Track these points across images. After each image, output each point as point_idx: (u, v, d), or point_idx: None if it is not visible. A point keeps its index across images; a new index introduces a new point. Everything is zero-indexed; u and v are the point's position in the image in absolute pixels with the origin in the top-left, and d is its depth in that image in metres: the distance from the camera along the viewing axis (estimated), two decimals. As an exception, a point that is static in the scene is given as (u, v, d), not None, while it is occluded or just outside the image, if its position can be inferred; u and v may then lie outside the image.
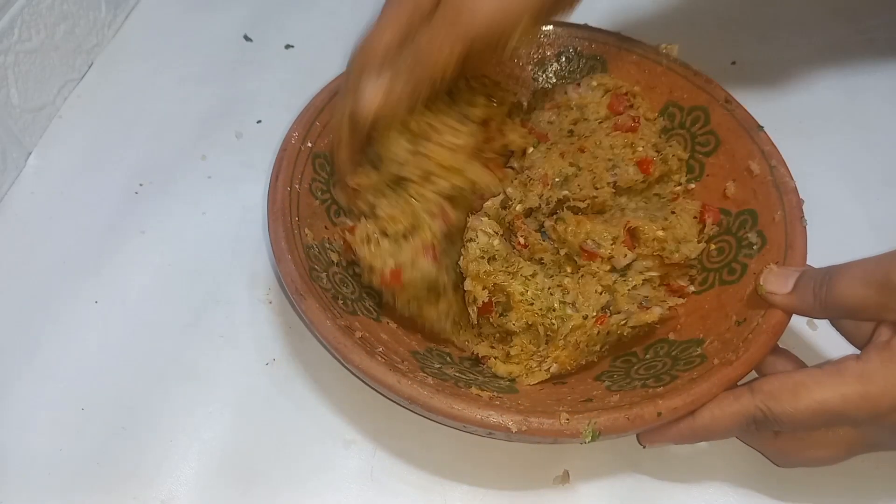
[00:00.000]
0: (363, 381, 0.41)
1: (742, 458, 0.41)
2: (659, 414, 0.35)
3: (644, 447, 0.40)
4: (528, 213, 0.45)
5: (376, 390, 0.40)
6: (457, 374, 0.40)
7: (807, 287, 0.36)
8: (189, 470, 0.40)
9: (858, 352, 0.37)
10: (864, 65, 0.62)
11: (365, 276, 0.40)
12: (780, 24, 0.66)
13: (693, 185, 0.48)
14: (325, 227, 0.45)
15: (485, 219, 0.42)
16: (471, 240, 0.41)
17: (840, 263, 0.36)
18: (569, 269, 0.43)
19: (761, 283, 0.38)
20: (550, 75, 0.53)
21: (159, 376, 0.44)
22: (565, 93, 0.50)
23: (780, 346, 0.39)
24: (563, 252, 0.43)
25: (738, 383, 0.37)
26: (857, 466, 0.38)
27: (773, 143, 0.45)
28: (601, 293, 0.41)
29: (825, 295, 0.35)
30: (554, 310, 0.40)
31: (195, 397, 0.43)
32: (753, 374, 0.38)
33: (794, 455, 0.37)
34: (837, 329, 0.39)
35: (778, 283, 0.38)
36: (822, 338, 0.44)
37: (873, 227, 0.51)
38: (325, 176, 0.46)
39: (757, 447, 0.39)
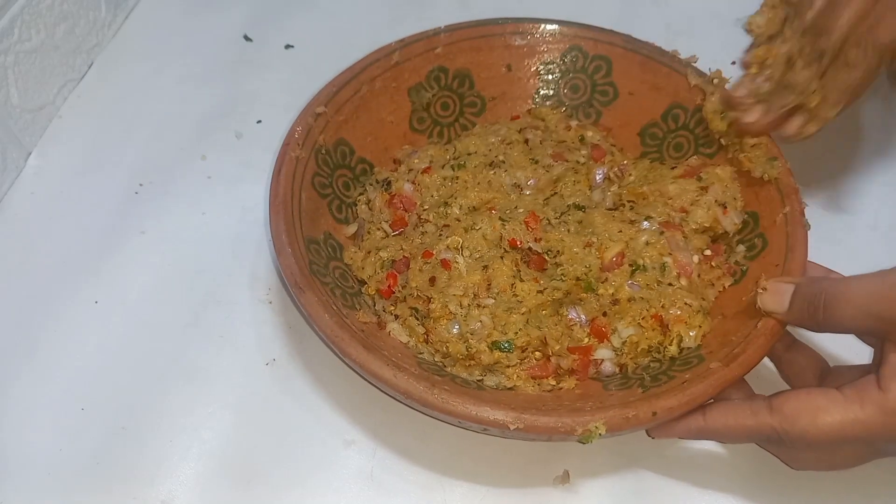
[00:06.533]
0: (361, 377, 0.41)
1: (744, 458, 0.41)
2: (654, 414, 0.35)
3: (652, 438, 0.40)
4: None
5: (374, 385, 0.40)
6: (455, 371, 0.40)
7: (802, 308, 0.36)
8: (189, 470, 0.40)
9: (868, 348, 0.37)
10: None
11: None
12: (780, 24, 0.65)
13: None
14: (327, 222, 0.45)
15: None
16: None
17: (836, 281, 0.35)
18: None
19: (759, 304, 0.38)
20: (556, 75, 0.53)
21: (159, 376, 0.44)
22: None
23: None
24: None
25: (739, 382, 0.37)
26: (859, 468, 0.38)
27: (776, 145, 0.45)
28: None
29: (823, 318, 0.35)
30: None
31: (195, 397, 0.43)
32: (755, 376, 0.38)
33: (808, 461, 0.37)
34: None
35: (774, 301, 0.37)
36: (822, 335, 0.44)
37: (874, 228, 0.52)
38: (328, 170, 0.46)
39: (769, 450, 0.39)
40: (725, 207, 0.44)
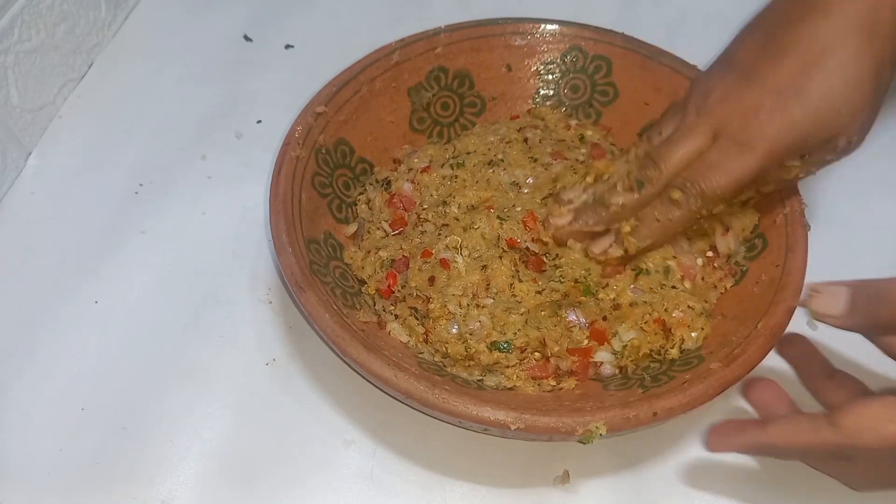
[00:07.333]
0: (362, 377, 0.41)
1: (744, 459, 0.41)
2: (655, 414, 0.35)
3: (712, 452, 0.39)
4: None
5: (374, 385, 0.40)
6: (455, 371, 0.40)
7: (866, 308, 0.35)
8: (189, 470, 0.40)
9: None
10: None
11: None
12: (780, 24, 0.65)
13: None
14: (327, 222, 0.45)
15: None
16: None
17: (893, 280, 0.35)
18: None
19: (812, 308, 0.36)
20: (556, 75, 0.53)
21: (159, 376, 0.44)
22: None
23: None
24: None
25: (736, 386, 0.37)
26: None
27: None
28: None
29: (886, 317, 0.34)
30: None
31: (195, 397, 0.43)
32: (760, 374, 0.38)
33: (874, 479, 0.37)
34: (876, 344, 0.38)
35: (830, 304, 0.36)
36: (821, 337, 0.44)
37: (873, 228, 0.51)
38: (328, 170, 0.46)
39: (830, 474, 0.38)
40: (728, 229, 0.44)
